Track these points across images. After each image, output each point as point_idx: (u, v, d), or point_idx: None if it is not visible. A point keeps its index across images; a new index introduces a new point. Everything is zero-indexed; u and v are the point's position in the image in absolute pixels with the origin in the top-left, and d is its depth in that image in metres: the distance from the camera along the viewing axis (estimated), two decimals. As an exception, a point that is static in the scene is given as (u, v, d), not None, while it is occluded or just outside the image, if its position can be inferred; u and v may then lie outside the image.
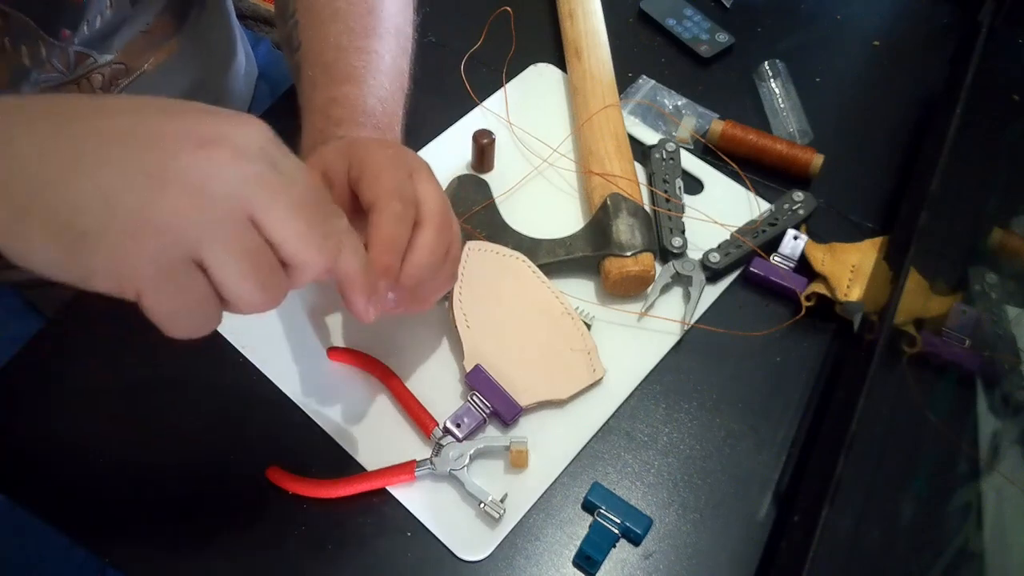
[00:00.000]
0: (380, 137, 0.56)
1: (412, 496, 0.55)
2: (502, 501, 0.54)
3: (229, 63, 0.78)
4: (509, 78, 0.76)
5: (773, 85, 0.77)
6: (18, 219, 0.34)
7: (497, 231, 0.65)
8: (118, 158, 0.34)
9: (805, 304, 0.63)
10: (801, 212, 0.67)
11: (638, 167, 0.70)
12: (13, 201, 0.33)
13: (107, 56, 0.61)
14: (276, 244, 0.36)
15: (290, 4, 0.60)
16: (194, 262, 0.35)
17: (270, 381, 0.59)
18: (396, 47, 0.60)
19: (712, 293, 0.65)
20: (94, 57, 0.60)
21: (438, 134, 0.72)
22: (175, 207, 0.34)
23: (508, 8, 0.80)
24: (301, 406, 0.58)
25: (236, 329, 0.61)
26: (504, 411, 0.56)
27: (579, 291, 0.64)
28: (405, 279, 0.48)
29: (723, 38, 0.80)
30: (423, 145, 0.71)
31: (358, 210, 0.49)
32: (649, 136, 0.73)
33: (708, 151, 0.73)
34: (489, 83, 0.76)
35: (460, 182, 0.67)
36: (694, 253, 0.66)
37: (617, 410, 0.60)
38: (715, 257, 0.65)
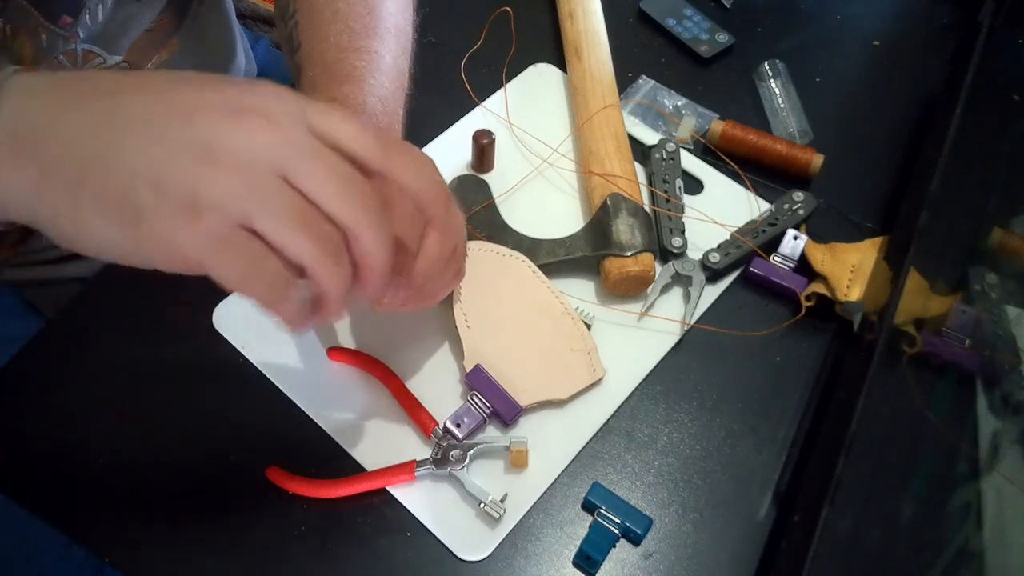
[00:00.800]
0: None
1: (412, 496, 0.55)
2: (502, 501, 0.54)
3: (229, 62, 0.79)
4: (509, 78, 0.76)
5: (773, 85, 0.77)
6: (74, 198, 0.34)
7: (497, 231, 0.65)
8: (162, 134, 0.35)
9: (805, 304, 0.63)
10: (801, 212, 0.67)
11: (638, 167, 0.70)
12: (67, 179, 0.34)
13: (116, 57, 0.61)
14: (319, 204, 0.37)
15: (290, 4, 0.60)
16: (247, 229, 0.36)
17: (270, 381, 0.59)
18: (396, 47, 0.60)
19: (712, 293, 0.65)
20: (103, 57, 0.60)
21: (438, 134, 0.72)
22: (220, 181, 0.35)
23: (508, 8, 0.80)
24: (301, 406, 0.58)
25: (236, 329, 0.61)
26: (504, 411, 0.56)
27: (579, 291, 0.64)
28: (415, 278, 0.48)
29: (723, 38, 0.80)
30: (423, 145, 0.71)
31: None
32: (649, 136, 0.73)
33: (708, 151, 0.73)
34: (489, 83, 0.76)
35: (460, 182, 0.67)
36: (694, 253, 0.66)
37: (617, 410, 0.60)
38: (715, 257, 0.65)
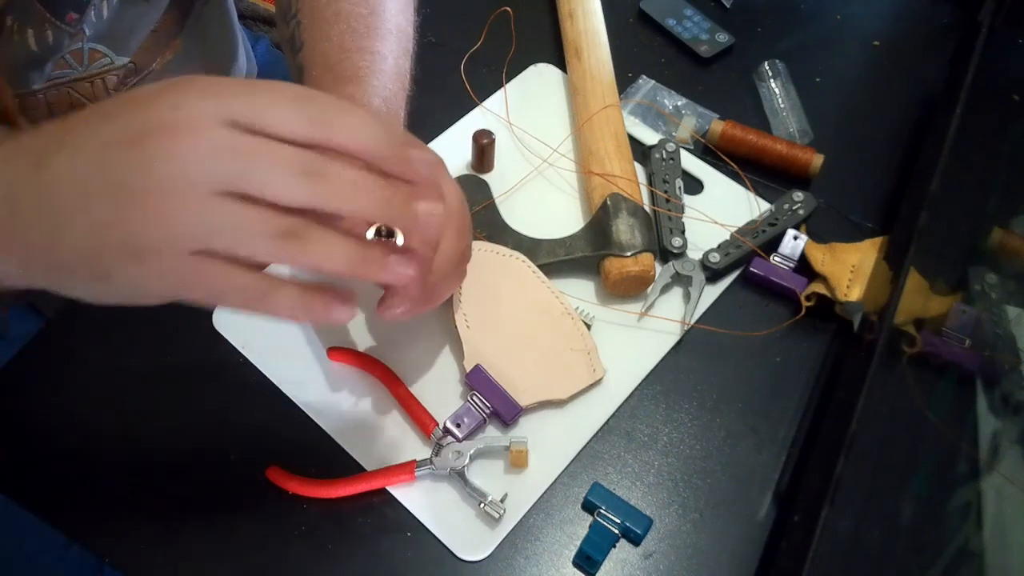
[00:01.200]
0: None
1: (412, 496, 0.55)
2: (502, 501, 0.54)
3: (231, 62, 0.79)
4: (509, 78, 0.76)
5: (773, 85, 0.77)
6: (55, 279, 0.37)
7: (497, 231, 0.65)
8: (84, 196, 0.34)
9: (805, 304, 0.63)
10: (801, 212, 0.67)
11: (638, 167, 0.70)
12: (42, 267, 0.36)
13: (124, 58, 0.61)
14: (274, 200, 0.35)
15: (292, 4, 0.61)
16: (205, 252, 0.35)
17: (270, 381, 0.59)
18: (398, 47, 0.60)
19: (712, 293, 0.65)
20: (111, 58, 0.60)
21: (438, 134, 0.72)
22: (148, 223, 0.34)
23: (508, 8, 0.80)
24: (301, 406, 0.58)
25: (236, 329, 0.61)
26: (504, 411, 0.56)
27: (579, 291, 0.64)
28: (434, 274, 0.47)
29: (723, 38, 0.80)
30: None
31: None
32: (649, 136, 0.73)
33: (708, 151, 0.73)
34: (489, 83, 0.76)
35: (460, 182, 0.67)
36: (694, 253, 0.66)
37: (617, 410, 0.60)
38: (715, 257, 0.65)
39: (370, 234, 0.42)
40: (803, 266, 0.65)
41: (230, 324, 0.61)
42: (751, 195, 0.70)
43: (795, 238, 0.65)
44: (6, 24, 0.53)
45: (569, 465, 0.57)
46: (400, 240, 0.43)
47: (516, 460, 0.56)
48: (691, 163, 0.72)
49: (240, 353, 0.60)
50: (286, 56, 0.63)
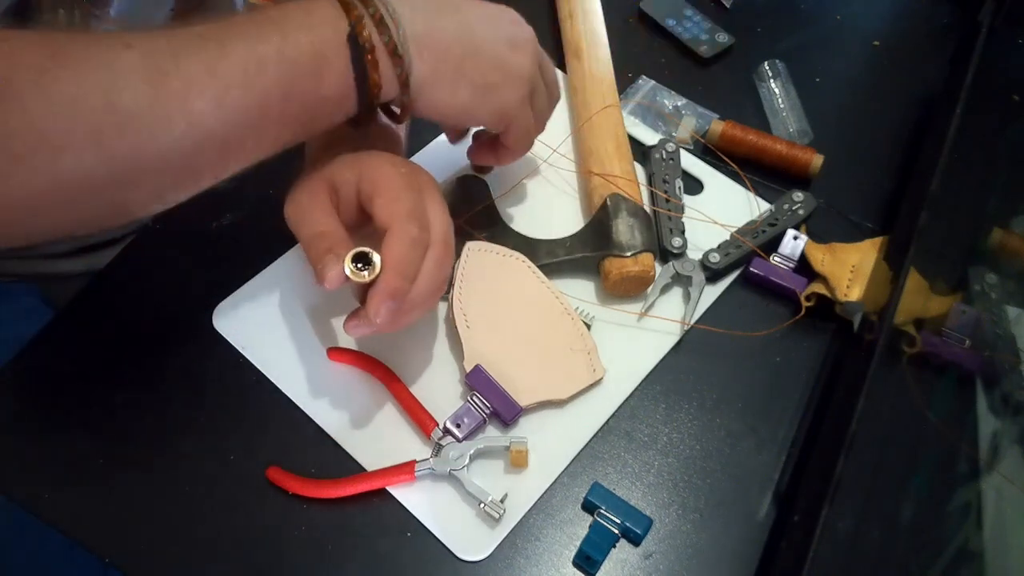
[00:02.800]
0: (391, 137, 0.58)
1: (412, 496, 0.55)
2: (502, 501, 0.54)
3: None
4: (509, 78, 0.76)
5: (773, 85, 0.77)
6: (455, 79, 0.50)
7: (497, 231, 0.65)
8: (496, 35, 0.52)
9: (805, 304, 0.63)
10: (801, 212, 0.67)
11: (638, 167, 0.70)
12: (451, 68, 0.50)
13: None
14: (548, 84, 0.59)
15: None
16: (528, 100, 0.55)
17: (270, 381, 0.59)
18: None
19: (712, 293, 0.65)
20: None
21: (438, 134, 0.72)
22: (526, 62, 0.54)
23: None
24: (301, 406, 0.58)
25: (236, 329, 0.61)
26: (504, 411, 0.56)
27: (579, 291, 0.64)
28: (408, 302, 0.49)
29: (723, 38, 0.80)
30: (423, 145, 0.71)
31: (363, 222, 0.52)
32: (649, 136, 0.73)
33: (708, 151, 0.73)
34: (489, 83, 0.76)
35: (460, 182, 0.67)
36: (694, 253, 0.66)
37: (617, 410, 0.60)
38: (715, 257, 0.65)
39: (347, 268, 0.47)
40: (803, 266, 0.65)
41: (230, 324, 0.61)
42: (751, 195, 0.70)
43: (795, 238, 0.65)
44: (40, 2, 0.54)
45: (569, 465, 0.57)
46: (376, 269, 0.48)
47: (516, 460, 0.56)
48: (691, 163, 0.72)
49: (240, 353, 0.60)
50: None
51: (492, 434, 0.58)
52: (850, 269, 0.63)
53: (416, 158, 0.70)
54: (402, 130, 0.60)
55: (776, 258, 0.65)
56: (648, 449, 0.58)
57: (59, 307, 0.73)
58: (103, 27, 0.59)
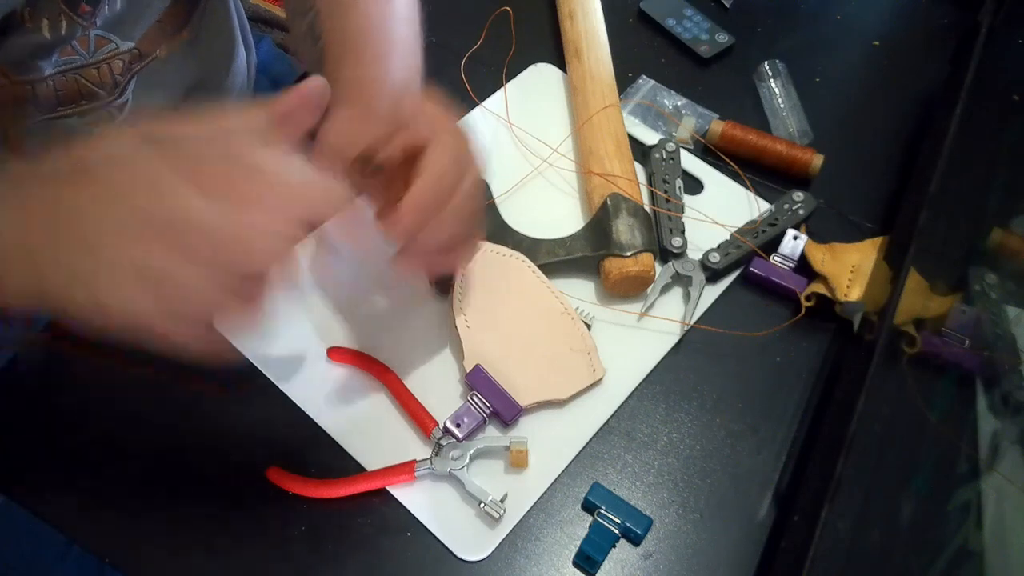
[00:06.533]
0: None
1: (412, 496, 0.55)
2: (502, 501, 0.54)
3: (231, 61, 0.79)
4: (509, 78, 0.76)
5: (773, 85, 0.77)
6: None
7: (497, 231, 0.65)
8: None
9: (805, 304, 0.63)
10: (801, 212, 0.67)
11: (638, 167, 0.70)
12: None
13: (128, 43, 0.62)
14: None
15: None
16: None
17: (270, 381, 0.59)
18: (410, 30, 0.62)
19: (712, 293, 0.65)
20: (116, 43, 0.61)
21: (438, 134, 0.72)
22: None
23: (508, 8, 0.80)
24: (301, 406, 0.58)
25: (236, 329, 0.61)
26: (504, 411, 0.56)
27: (579, 291, 0.64)
28: (439, 223, 0.48)
29: (723, 38, 0.80)
30: (423, 145, 0.71)
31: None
32: (649, 136, 0.73)
33: (708, 151, 0.73)
34: (489, 83, 0.76)
35: (460, 182, 0.67)
36: (694, 253, 0.66)
37: (617, 410, 0.60)
38: (715, 257, 0.65)
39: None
40: (803, 266, 0.65)
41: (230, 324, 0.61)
42: (751, 195, 0.70)
43: (795, 238, 0.65)
44: (19, 16, 0.54)
45: (569, 465, 0.57)
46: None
47: (516, 460, 0.56)
48: (691, 163, 0.72)
49: (240, 353, 0.60)
50: (301, 50, 0.64)
51: (492, 434, 0.58)
52: (850, 269, 0.63)
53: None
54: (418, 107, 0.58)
55: (776, 258, 0.65)
56: (648, 449, 0.58)
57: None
58: (91, 32, 0.59)
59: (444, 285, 0.62)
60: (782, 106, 0.75)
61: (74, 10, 0.56)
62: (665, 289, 0.65)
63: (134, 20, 0.62)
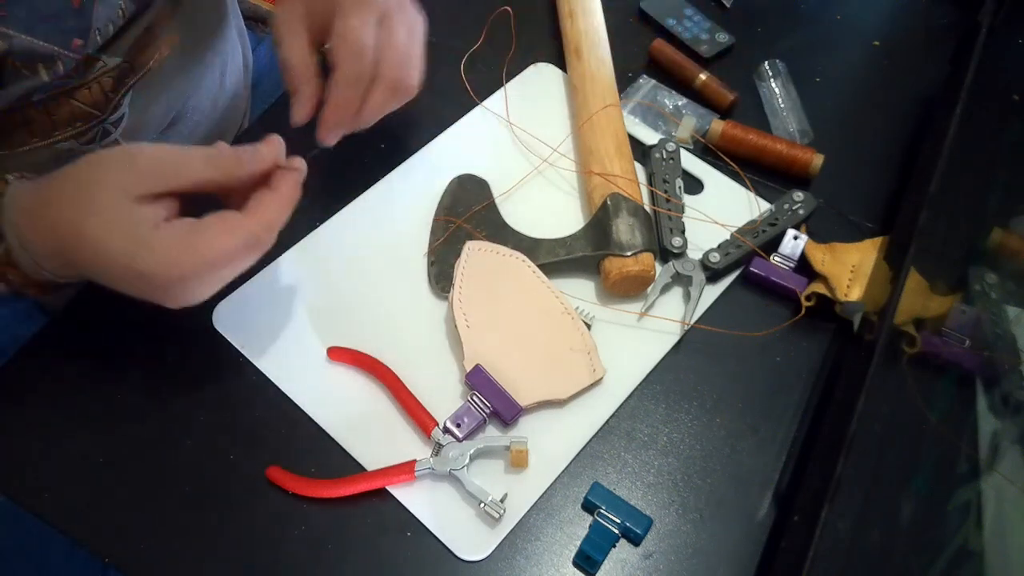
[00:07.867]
0: None
1: (412, 496, 0.55)
2: (502, 501, 0.54)
3: (227, 61, 0.78)
4: (509, 78, 0.76)
5: (773, 85, 0.77)
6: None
7: (497, 231, 0.65)
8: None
9: (805, 304, 0.63)
10: (801, 212, 0.67)
11: (638, 167, 0.70)
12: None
13: (116, 59, 0.61)
14: None
15: None
16: None
17: (270, 381, 0.59)
18: None
19: (712, 293, 0.65)
20: (103, 60, 0.60)
21: (438, 134, 0.72)
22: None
23: (508, 8, 0.80)
24: (301, 406, 0.58)
25: (236, 329, 0.61)
26: (504, 411, 0.56)
27: (579, 291, 0.64)
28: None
29: (723, 38, 0.80)
30: (423, 145, 0.71)
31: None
32: (649, 136, 0.73)
33: (708, 151, 0.73)
34: (489, 83, 0.76)
35: (460, 182, 0.67)
36: (694, 253, 0.66)
37: (617, 410, 0.60)
38: (715, 257, 0.65)
39: None
40: (803, 266, 0.65)
41: (230, 324, 0.61)
42: (751, 195, 0.70)
43: (795, 238, 0.65)
44: (12, 65, 0.54)
45: (569, 465, 0.57)
46: None
47: (516, 460, 0.56)
48: (691, 163, 0.72)
49: (240, 353, 0.60)
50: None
51: (492, 434, 0.58)
52: (850, 269, 0.63)
53: (416, 158, 0.70)
54: None
55: (776, 258, 0.65)
56: (648, 449, 0.58)
57: (53, 312, 0.73)
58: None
59: (444, 285, 0.62)
60: (782, 106, 0.75)
61: (67, 48, 0.56)
62: (665, 289, 0.65)
63: (120, 35, 0.61)
